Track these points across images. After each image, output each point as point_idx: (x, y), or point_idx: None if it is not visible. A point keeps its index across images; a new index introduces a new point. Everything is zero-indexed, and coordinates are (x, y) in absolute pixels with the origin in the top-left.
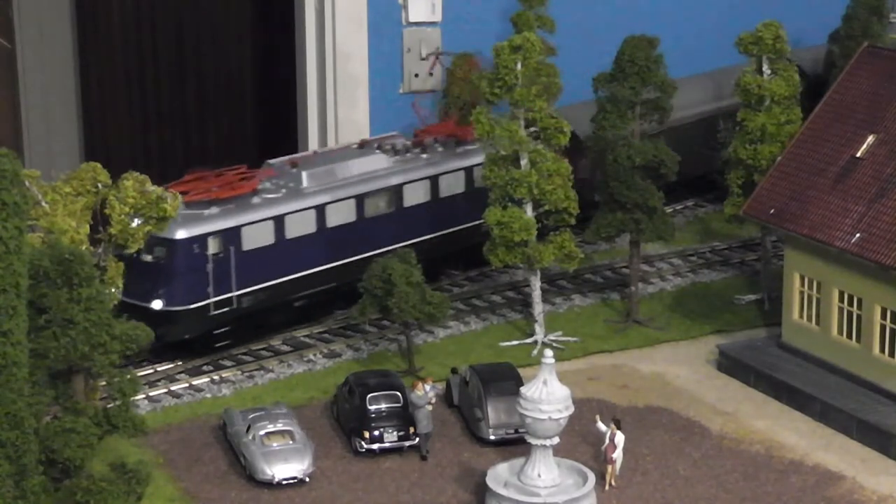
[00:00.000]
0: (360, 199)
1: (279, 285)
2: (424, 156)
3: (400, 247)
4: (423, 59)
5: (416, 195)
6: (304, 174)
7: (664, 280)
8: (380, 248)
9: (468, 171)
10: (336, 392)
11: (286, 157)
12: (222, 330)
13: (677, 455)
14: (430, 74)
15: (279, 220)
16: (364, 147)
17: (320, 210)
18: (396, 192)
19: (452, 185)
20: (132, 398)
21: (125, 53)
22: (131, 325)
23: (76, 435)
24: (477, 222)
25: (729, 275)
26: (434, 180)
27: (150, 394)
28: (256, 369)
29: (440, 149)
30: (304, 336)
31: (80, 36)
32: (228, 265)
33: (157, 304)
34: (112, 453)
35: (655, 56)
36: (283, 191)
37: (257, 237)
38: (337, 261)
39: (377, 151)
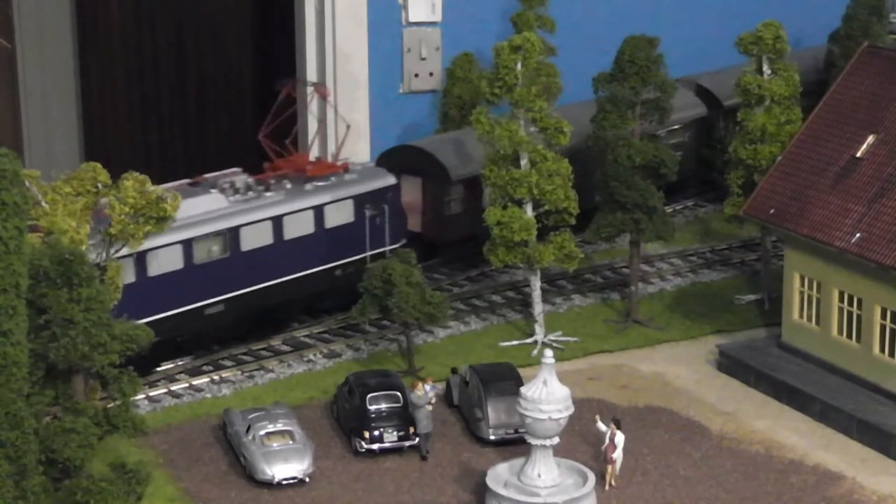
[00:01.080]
0: (187, 245)
1: None
2: (268, 194)
3: (236, 295)
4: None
5: (256, 238)
6: None
7: (664, 280)
8: (212, 297)
9: (318, 210)
10: (336, 392)
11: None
12: None
13: (677, 455)
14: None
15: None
16: (198, 186)
17: (140, 258)
18: (233, 235)
19: (300, 227)
20: (132, 398)
21: (125, 53)
22: (131, 326)
23: (76, 435)
24: (329, 265)
25: (729, 275)
26: (278, 221)
27: (150, 394)
28: (256, 369)
29: (287, 186)
30: (304, 336)
31: (80, 36)
32: None
33: None
34: (112, 453)
35: (655, 56)
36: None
37: None
38: (161, 313)
39: (212, 191)
